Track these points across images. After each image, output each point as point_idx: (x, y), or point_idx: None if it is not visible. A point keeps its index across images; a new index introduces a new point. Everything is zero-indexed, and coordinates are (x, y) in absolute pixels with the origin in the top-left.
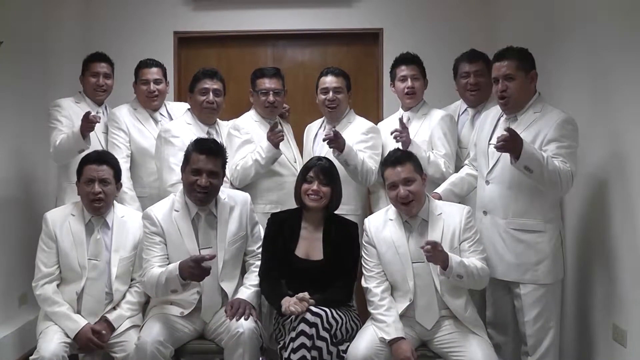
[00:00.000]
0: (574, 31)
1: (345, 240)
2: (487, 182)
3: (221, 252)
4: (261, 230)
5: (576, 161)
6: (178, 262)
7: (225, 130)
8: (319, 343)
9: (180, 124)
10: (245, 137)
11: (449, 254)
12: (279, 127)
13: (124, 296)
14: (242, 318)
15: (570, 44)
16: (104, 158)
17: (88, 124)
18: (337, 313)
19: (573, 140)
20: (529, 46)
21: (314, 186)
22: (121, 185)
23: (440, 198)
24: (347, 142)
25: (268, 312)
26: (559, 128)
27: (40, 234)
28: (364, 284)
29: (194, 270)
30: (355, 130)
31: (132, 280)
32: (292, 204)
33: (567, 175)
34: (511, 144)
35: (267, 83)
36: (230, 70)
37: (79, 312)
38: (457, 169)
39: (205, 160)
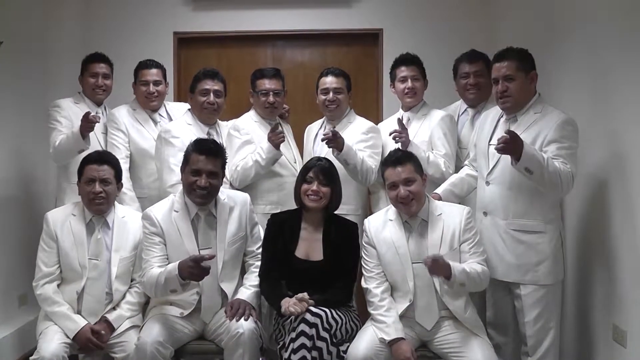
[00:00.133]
0: (574, 31)
1: (345, 241)
2: (487, 183)
3: (221, 252)
4: (261, 231)
5: (576, 162)
6: (177, 262)
7: (225, 131)
8: (319, 343)
9: (180, 125)
10: (245, 137)
11: (450, 263)
12: (280, 128)
13: (124, 296)
14: (242, 318)
15: (570, 44)
16: (105, 158)
17: (87, 124)
18: (337, 313)
19: (573, 141)
20: (529, 46)
21: (314, 186)
22: (122, 185)
23: (440, 198)
24: (347, 142)
25: (268, 313)
26: (559, 129)
27: (41, 233)
28: (363, 284)
29: (194, 270)
30: (356, 130)
31: (132, 281)
32: (292, 205)
33: (567, 177)
34: (511, 145)
35: (267, 84)
36: (230, 70)
37: (79, 312)
38: (457, 169)
39: (205, 161)
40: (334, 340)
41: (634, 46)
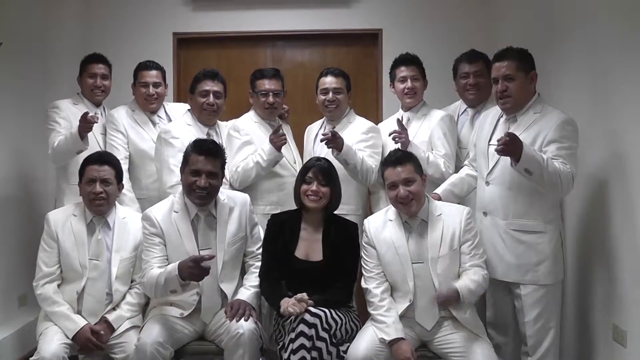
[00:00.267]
0: (574, 31)
1: (345, 241)
2: (487, 183)
3: (220, 253)
4: (261, 231)
5: (576, 162)
6: (177, 263)
7: (225, 131)
8: (318, 344)
9: (180, 125)
10: (245, 138)
11: (457, 287)
12: (282, 130)
13: (124, 297)
14: (242, 319)
15: (570, 44)
16: (106, 159)
17: (86, 124)
18: (336, 314)
19: (573, 141)
20: (529, 46)
21: (313, 187)
22: (122, 186)
23: (439, 198)
24: (347, 142)
25: (268, 313)
26: (559, 129)
27: (42, 233)
28: (363, 284)
29: (193, 270)
30: (356, 130)
31: (132, 282)
32: (292, 205)
33: (567, 177)
34: (511, 147)
35: (266, 84)
36: (229, 71)
37: (79, 312)
38: (457, 169)
39: (205, 161)
40: (334, 340)
41: (634, 46)
